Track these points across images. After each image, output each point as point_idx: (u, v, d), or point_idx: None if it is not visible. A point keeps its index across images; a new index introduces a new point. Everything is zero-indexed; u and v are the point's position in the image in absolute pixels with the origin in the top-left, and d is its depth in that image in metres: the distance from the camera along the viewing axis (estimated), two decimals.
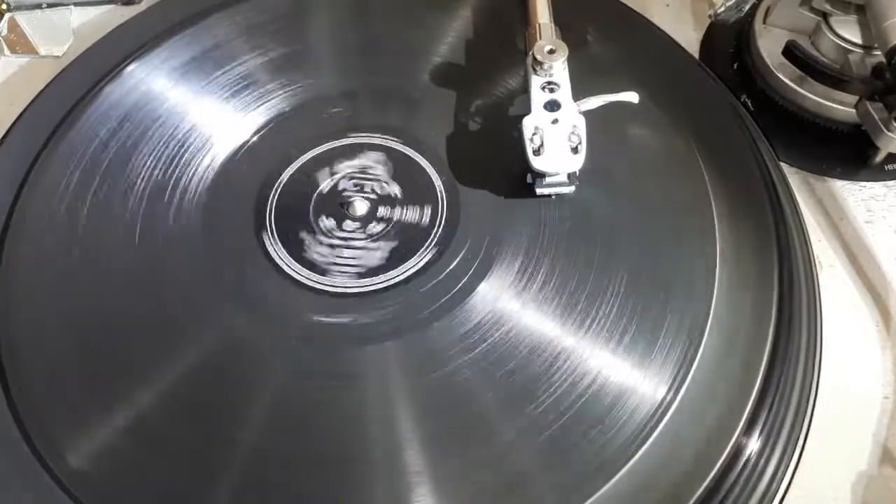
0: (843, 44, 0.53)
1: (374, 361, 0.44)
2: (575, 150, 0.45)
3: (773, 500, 0.43)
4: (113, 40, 0.59)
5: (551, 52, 0.47)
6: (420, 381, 0.43)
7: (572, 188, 0.47)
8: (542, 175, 0.46)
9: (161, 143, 0.53)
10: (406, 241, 0.48)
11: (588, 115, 0.46)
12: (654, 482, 0.40)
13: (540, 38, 0.49)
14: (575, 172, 0.46)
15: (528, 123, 0.46)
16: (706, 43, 0.62)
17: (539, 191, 0.47)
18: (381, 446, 0.41)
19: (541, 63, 0.47)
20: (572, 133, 0.45)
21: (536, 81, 0.47)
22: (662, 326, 0.44)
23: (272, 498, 0.41)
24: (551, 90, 0.47)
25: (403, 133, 0.52)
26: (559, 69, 0.47)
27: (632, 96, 0.47)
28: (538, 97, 0.47)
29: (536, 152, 0.45)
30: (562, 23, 0.51)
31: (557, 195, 0.48)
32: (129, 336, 0.46)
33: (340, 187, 0.50)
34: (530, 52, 0.48)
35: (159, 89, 0.55)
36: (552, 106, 0.46)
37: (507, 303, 0.45)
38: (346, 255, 0.48)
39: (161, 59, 0.57)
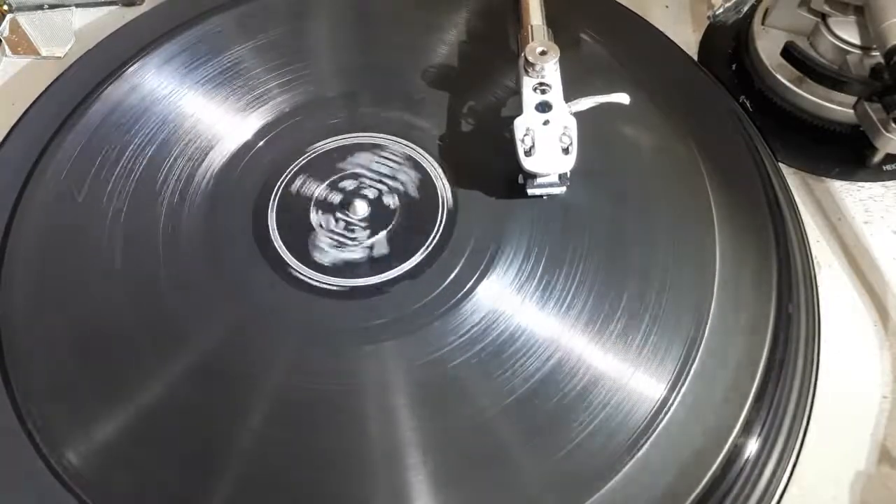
0: (841, 45, 0.53)
1: (373, 361, 0.44)
2: (566, 151, 0.45)
3: (771, 499, 0.43)
4: (114, 41, 0.60)
5: (543, 53, 0.47)
6: (419, 380, 0.43)
7: (563, 189, 0.47)
8: (533, 176, 0.46)
9: (163, 144, 0.53)
10: (406, 241, 0.48)
11: (588, 116, 0.46)
12: (653, 481, 0.40)
13: (532, 39, 0.49)
14: (566, 173, 0.46)
15: (519, 124, 0.46)
16: (705, 44, 0.62)
17: (530, 191, 0.47)
18: (380, 445, 0.42)
19: (532, 64, 0.47)
20: (563, 134, 0.45)
21: (528, 83, 0.47)
22: (661, 326, 0.44)
23: (271, 496, 0.41)
24: (543, 91, 0.47)
25: (404, 133, 0.52)
26: (551, 71, 0.47)
27: (622, 97, 0.47)
28: (530, 98, 0.47)
29: (528, 153, 0.45)
30: (560, 24, 0.51)
31: (549, 196, 0.48)
32: (130, 335, 0.46)
33: (341, 187, 0.51)
34: (522, 54, 0.48)
35: (161, 90, 0.56)
36: (544, 107, 0.46)
37: (506, 303, 0.45)
38: (345, 255, 0.48)
39: (162, 60, 0.57)
